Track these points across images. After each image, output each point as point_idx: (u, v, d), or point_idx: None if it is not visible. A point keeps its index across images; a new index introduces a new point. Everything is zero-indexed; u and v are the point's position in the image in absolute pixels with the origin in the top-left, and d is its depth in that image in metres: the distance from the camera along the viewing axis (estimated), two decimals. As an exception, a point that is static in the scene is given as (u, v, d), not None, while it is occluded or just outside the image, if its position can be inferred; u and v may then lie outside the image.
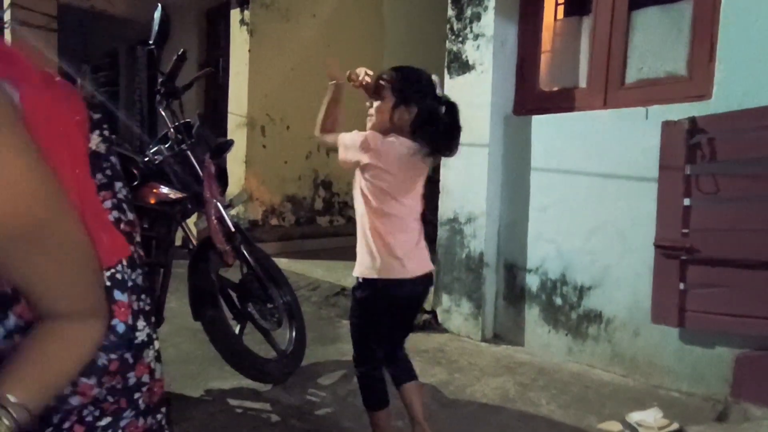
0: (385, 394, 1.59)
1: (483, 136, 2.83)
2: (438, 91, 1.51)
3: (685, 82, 2.32)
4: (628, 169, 2.40)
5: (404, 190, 1.49)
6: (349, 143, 1.49)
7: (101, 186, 0.77)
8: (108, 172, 0.79)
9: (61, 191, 0.59)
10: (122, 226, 0.78)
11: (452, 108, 1.51)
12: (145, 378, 0.80)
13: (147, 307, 0.82)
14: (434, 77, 1.52)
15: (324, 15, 5.32)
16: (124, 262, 0.75)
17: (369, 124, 1.54)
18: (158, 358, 0.86)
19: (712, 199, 2.12)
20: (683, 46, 2.34)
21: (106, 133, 0.81)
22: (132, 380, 0.78)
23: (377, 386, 1.59)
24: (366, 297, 1.52)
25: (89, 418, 0.74)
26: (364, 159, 1.45)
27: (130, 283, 0.77)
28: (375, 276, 1.48)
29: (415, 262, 1.51)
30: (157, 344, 0.86)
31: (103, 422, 0.75)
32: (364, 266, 1.50)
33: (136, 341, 0.79)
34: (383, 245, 1.47)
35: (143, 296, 0.81)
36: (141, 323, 0.80)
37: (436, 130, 1.47)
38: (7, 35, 6.55)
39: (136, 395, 0.79)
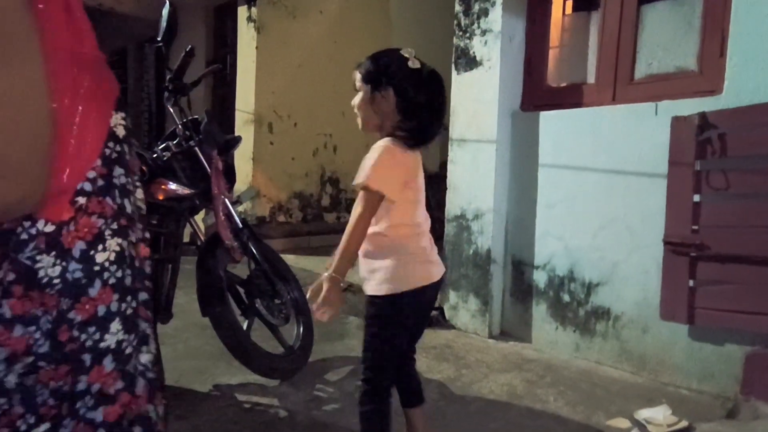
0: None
1: (490, 133, 2.82)
2: (411, 63, 1.33)
3: (695, 76, 2.30)
4: (637, 165, 2.38)
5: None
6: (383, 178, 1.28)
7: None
8: (113, 155, 0.75)
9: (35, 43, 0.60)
10: (108, 210, 0.73)
11: (433, 78, 1.34)
12: (95, 388, 0.72)
13: (129, 311, 0.75)
14: (405, 51, 1.35)
15: (331, 12, 5.32)
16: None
17: (360, 124, 1.41)
18: (144, 375, 0.78)
19: (723, 196, 2.10)
20: (693, 41, 2.32)
21: (126, 122, 0.78)
22: (81, 386, 0.71)
23: (386, 422, 1.39)
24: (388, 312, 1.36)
25: (23, 427, 0.68)
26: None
27: (107, 274, 0.72)
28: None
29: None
30: (144, 358, 0.78)
31: (41, 428, 0.69)
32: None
33: (101, 344, 0.72)
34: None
35: (128, 298, 0.75)
36: (115, 326, 0.73)
37: (417, 109, 1.31)
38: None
39: (79, 404, 0.71)
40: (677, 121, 2.19)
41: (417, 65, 1.33)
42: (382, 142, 1.32)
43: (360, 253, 1.35)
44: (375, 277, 1.35)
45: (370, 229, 1.33)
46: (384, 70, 1.33)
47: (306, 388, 2.11)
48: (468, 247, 2.92)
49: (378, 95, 1.33)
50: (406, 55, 1.33)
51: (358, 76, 1.38)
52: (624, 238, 2.42)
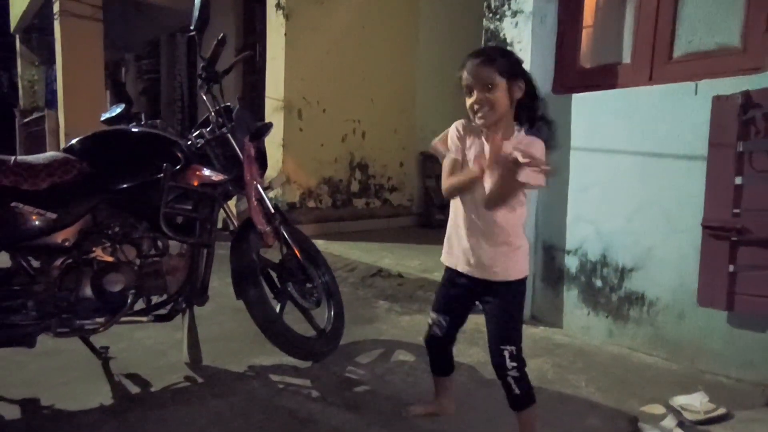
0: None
1: (521, 116, 2.77)
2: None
3: (738, 54, 2.20)
4: (674, 147, 2.30)
5: None
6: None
7: None
8: None
9: None
10: None
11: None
12: None
13: None
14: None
15: (359, -4, 5.28)
16: None
17: (479, 120, 1.43)
18: None
19: (767, 178, 2.02)
20: (737, 16, 2.21)
21: None
22: None
23: None
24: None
25: None
26: None
27: None
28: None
29: None
30: None
31: None
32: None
33: None
34: None
35: None
36: None
37: (537, 106, 1.49)
38: (57, 26, 6.82)
39: None
40: (718, 101, 2.11)
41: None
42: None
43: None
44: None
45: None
46: (515, 59, 1.46)
47: (337, 370, 2.16)
48: (498, 232, 2.89)
49: (515, 83, 1.43)
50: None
51: (489, 69, 1.40)
52: (659, 222, 2.36)
